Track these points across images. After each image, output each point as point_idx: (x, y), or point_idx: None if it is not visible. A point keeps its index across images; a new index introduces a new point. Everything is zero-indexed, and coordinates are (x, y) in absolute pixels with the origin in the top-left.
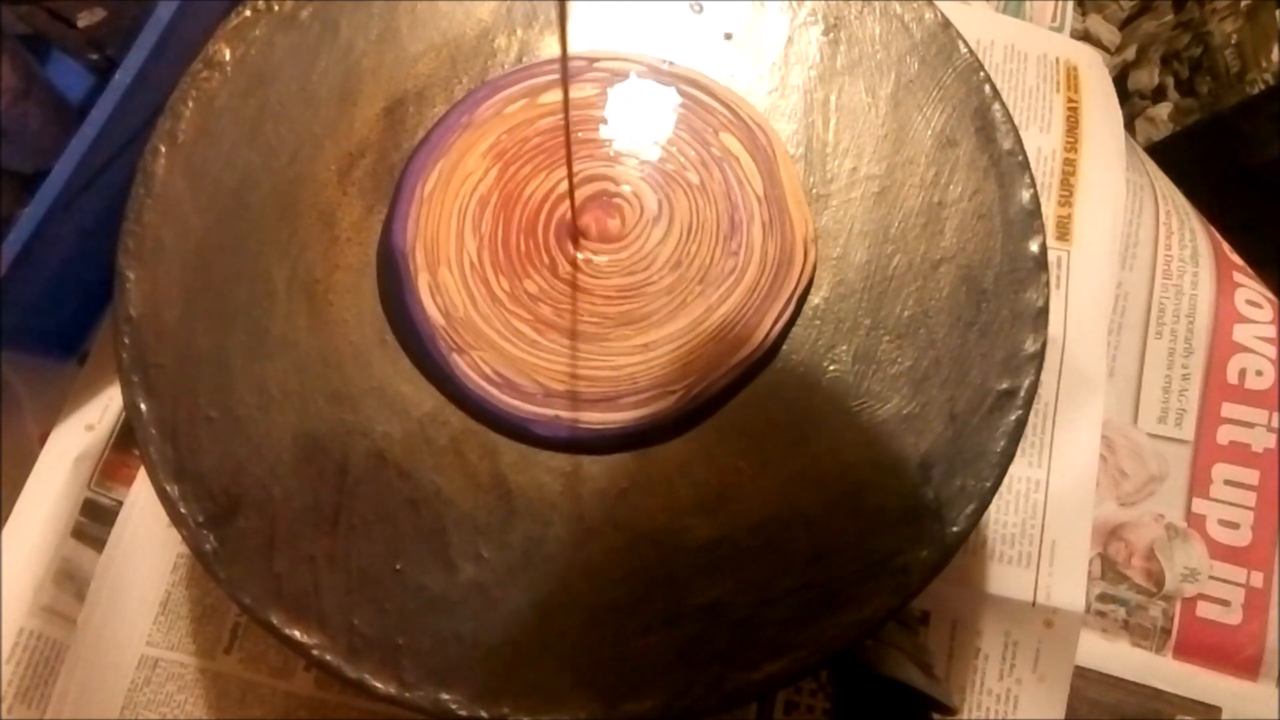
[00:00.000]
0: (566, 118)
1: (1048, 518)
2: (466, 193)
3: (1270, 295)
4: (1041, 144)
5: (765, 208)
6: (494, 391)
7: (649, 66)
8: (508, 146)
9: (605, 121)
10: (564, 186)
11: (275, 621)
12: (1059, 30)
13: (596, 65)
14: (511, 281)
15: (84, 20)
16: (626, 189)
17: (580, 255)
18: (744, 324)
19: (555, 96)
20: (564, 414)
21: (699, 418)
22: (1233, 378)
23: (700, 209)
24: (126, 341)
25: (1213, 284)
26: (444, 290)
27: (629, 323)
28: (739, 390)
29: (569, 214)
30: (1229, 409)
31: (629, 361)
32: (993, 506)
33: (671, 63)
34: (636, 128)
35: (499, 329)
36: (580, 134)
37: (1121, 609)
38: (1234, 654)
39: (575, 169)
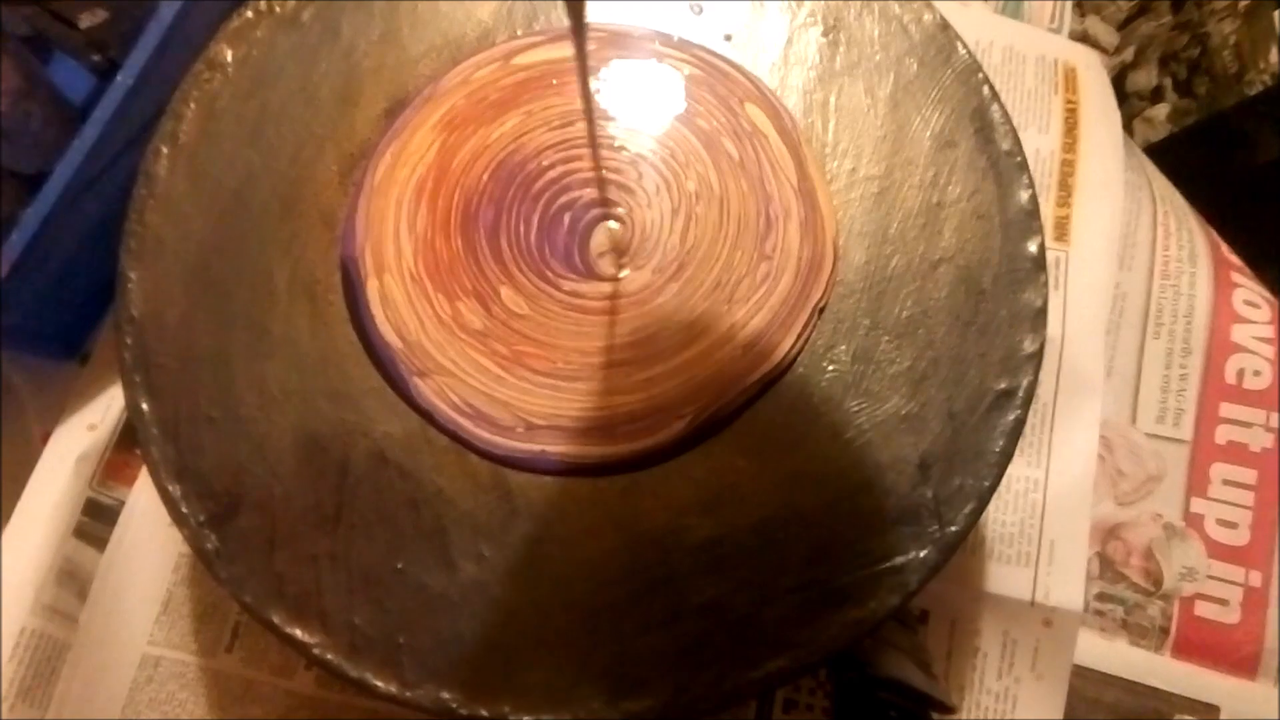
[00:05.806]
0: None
1: (1046, 517)
2: (405, 178)
3: (1268, 295)
4: (1040, 145)
5: (801, 202)
6: (466, 424)
7: (655, 31)
8: (461, 111)
9: (597, 76)
10: (495, 136)
11: (276, 620)
12: (1057, 31)
13: (594, 28)
14: (452, 304)
15: (86, 21)
16: (644, 162)
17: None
18: (767, 340)
19: (533, 57)
20: (551, 448)
21: (707, 435)
22: (1231, 378)
23: (744, 196)
24: (128, 341)
25: (1210, 284)
26: (393, 304)
27: (629, 363)
28: (751, 405)
29: (486, 206)
30: (1227, 409)
31: (627, 399)
32: (991, 506)
33: (681, 38)
34: (649, 89)
35: (454, 359)
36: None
37: (1120, 608)
38: (1232, 653)
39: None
